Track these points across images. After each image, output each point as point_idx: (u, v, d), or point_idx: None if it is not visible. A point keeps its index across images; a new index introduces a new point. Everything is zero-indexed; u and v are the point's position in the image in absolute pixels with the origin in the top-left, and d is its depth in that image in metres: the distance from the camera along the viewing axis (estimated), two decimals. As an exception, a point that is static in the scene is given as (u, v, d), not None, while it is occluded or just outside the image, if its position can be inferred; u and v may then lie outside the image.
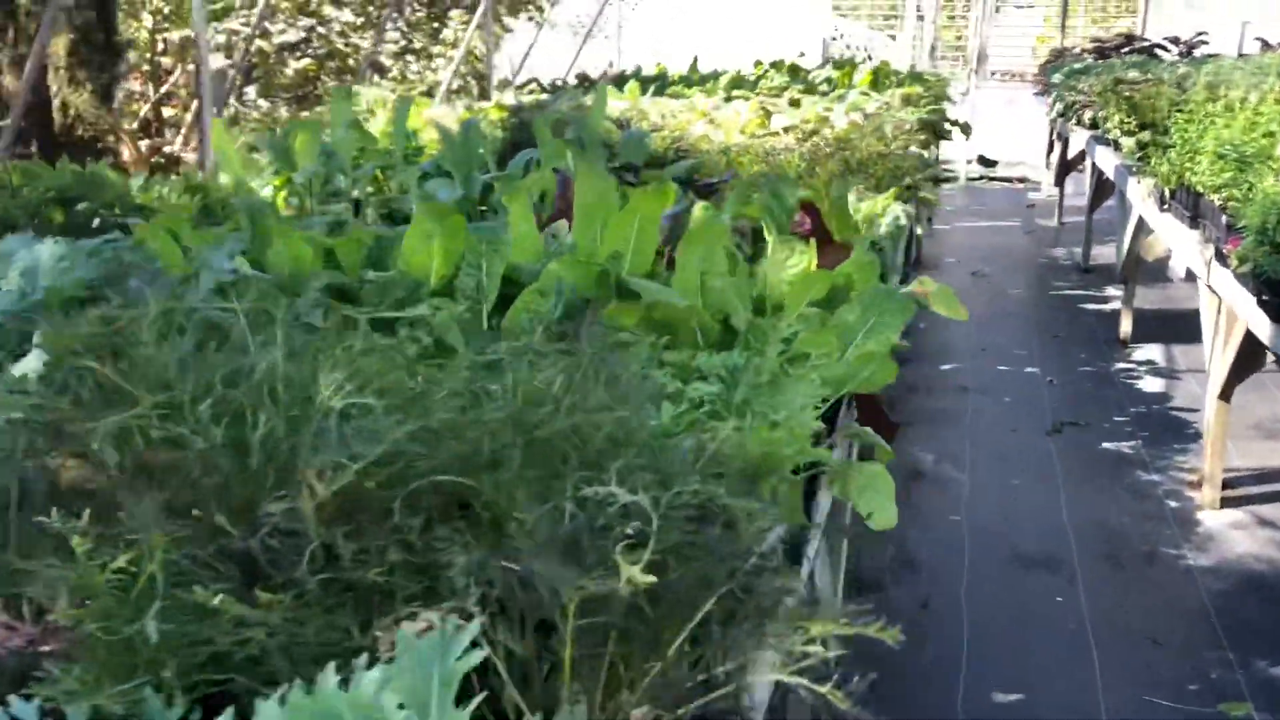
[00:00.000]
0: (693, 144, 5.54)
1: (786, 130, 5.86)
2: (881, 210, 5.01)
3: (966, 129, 10.00)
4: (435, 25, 16.09)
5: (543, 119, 4.77)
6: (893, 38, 27.76)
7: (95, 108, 12.33)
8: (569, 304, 2.29)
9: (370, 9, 15.94)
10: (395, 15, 16.64)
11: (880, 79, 9.64)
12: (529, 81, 13.15)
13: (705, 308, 2.20)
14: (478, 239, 2.35)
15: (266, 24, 16.97)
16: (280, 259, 2.47)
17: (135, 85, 19.02)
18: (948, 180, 16.88)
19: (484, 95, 9.15)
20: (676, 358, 1.99)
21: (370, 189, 5.08)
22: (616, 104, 6.31)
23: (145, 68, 18.02)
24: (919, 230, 11.79)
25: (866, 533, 2.22)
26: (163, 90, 18.15)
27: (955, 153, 16.43)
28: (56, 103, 12.33)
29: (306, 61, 17.35)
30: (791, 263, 2.58)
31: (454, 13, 16.02)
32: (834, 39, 22.20)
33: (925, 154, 6.61)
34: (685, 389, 1.76)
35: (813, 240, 3.12)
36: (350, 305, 2.39)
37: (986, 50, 21.73)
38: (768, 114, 6.08)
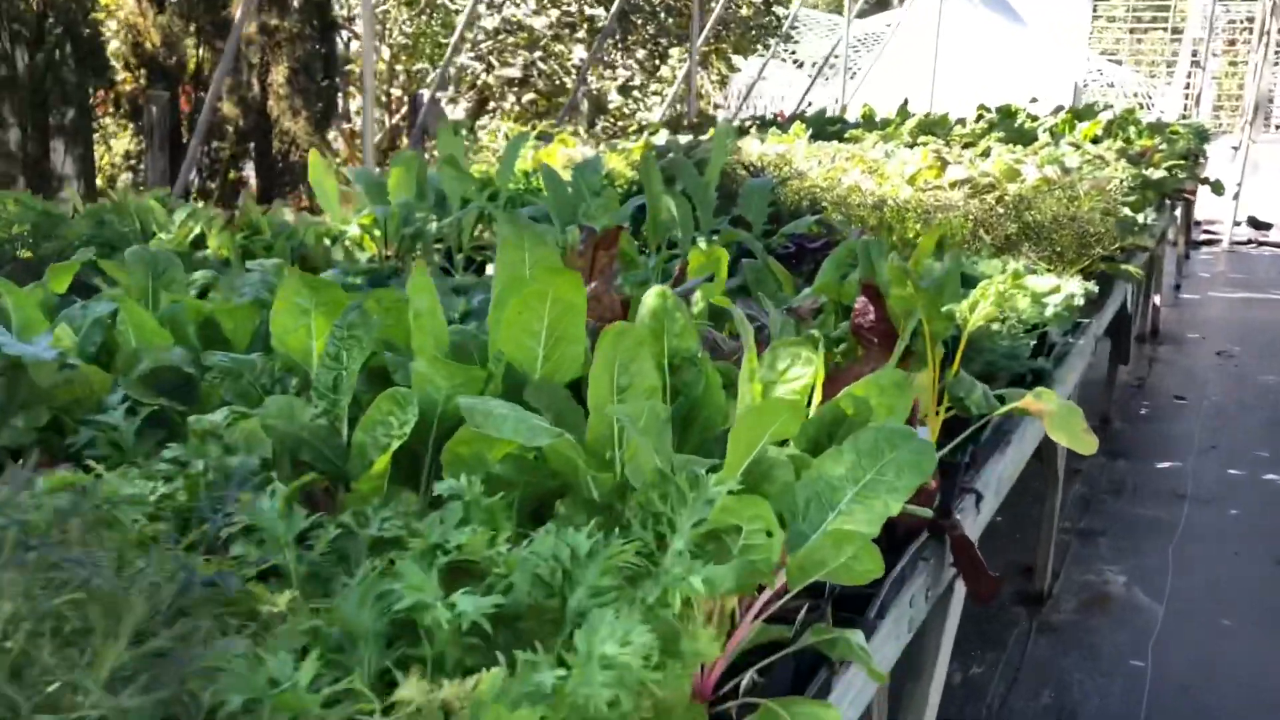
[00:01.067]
0: (840, 196, 4.78)
1: (962, 184, 5.01)
2: (1049, 290, 4.10)
3: (1218, 187, 8.67)
4: (655, 63, 15.81)
5: (647, 161, 4.15)
6: (1167, 84, 25.64)
7: (309, 134, 12.61)
8: (440, 417, 1.66)
9: (593, 45, 15.82)
10: (618, 51, 16.48)
11: (1113, 129, 8.49)
12: (748, 118, 12.54)
13: (592, 447, 1.52)
14: (347, 321, 1.75)
15: (493, 59, 17.16)
16: (133, 331, 1.96)
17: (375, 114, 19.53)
18: (1208, 243, 15.09)
19: (698, 130, 8.66)
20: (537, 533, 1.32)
21: (468, 234, 4.61)
22: (773, 148, 5.62)
23: (382, 98, 18.60)
24: (1155, 300, 10.42)
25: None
26: (395, 119, 18.66)
27: (1222, 213, 14.72)
28: (276, 129, 12.69)
29: (531, 95, 17.44)
30: (792, 375, 1.86)
31: (674, 50, 15.70)
32: (1087, 83, 20.54)
33: (1140, 218, 5.56)
34: (433, 612, 1.09)
35: (866, 342, 2.36)
36: (179, 400, 1.84)
37: (1270, 100, 19.55)
38: (943, 164, 5.24)
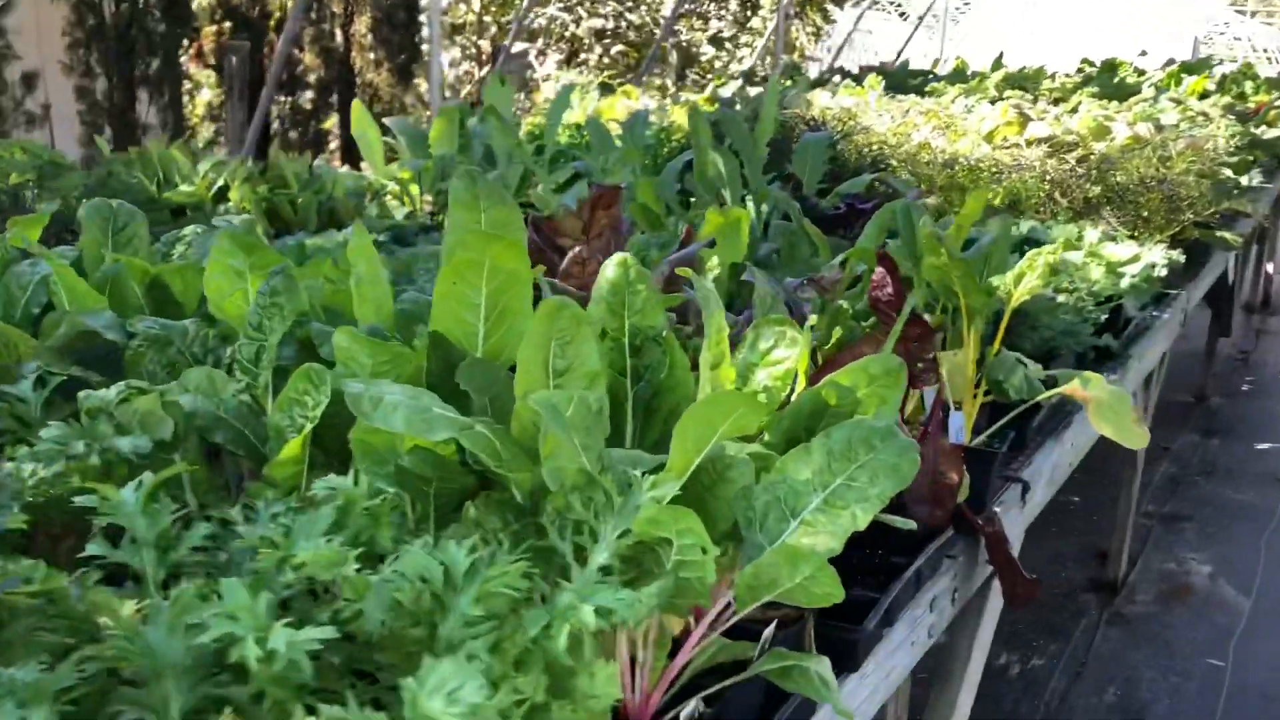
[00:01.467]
0: (908, 154, 4.47)
1: (1043, 142, 4.64)
2: (1127, 259, 3.78)
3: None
4: (747, 14, 15.35)
5: (695, 114, 3.91)
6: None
7: (391, 86, 12.56)
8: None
9: (684, -4, 15.44)
10: (711, 2, 16.06)
11: (1226, 84, 7.93)
12: (835, 71, 12.11)
13: (519, 440, 1.32)
14: (270, 287, 1.58)
15: (582, 10, 16.91)
16: (64, 293, 1.82)
17: (464, 67, 19.62)
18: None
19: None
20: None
21: (512, 190, 4.43)
22: (842, 101, 5.30)
23: (470, 50, 18.54)
24: (1268, 268, 9.78)
25: None
26: (484, 71, 18.58)
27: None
28: (359, 81, 12.66)
29: (620, 46, 17.15)
30: (775, 358, 1.63)
31: (766, 1, 15.20)
32: (1210, 37, 19.44)
33: (1243, 181, 5.12)
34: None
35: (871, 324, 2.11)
36: (103, 370, 1.69)
37: None
38: (1024, 120, 4.87)
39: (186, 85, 11.65)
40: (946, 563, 2.34)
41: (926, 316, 2.11)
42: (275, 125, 11.90)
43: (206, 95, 11.50)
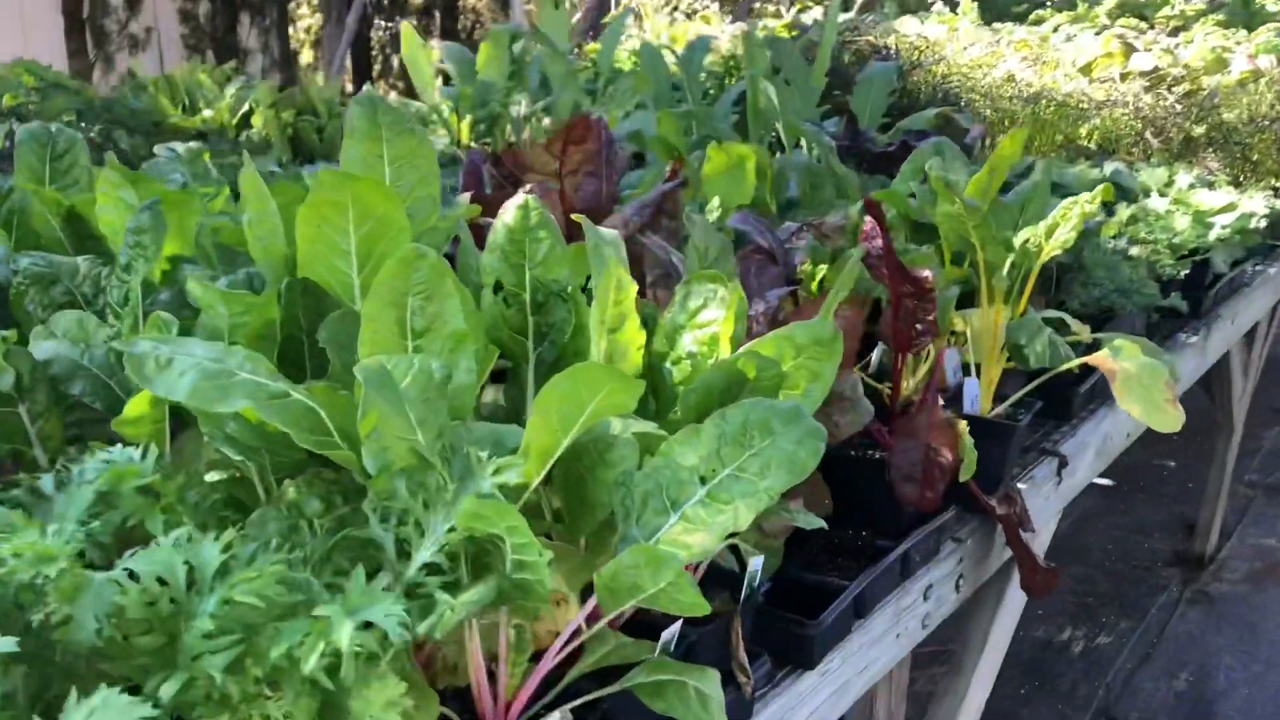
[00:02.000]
0: (990, 88, 4.11)
1: (1147, 75, 4.22)
2: (1220, 208, 3.41)
3: None
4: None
5: (750, 42, 3.63)
6: None
7: (493, 11, 12.39)
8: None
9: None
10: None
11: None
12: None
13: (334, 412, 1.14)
14: (136, 224, 1.43)
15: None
16: None
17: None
18: None
19: (867, 7, 7.86)
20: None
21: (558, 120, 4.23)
22: (930, 29, 4.92)
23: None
24: None
25: None
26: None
27: None
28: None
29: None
30: (704, 319, 1.42)
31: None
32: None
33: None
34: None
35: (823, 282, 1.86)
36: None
37: None
38: (1128, 51, 4.43)
39: (292, 7, 11.67)
40: (950, 546, 2.10)
41: (930, 272, 1.85)
42: (376, 51, 11.86)
43: (309, 20, 11.51)
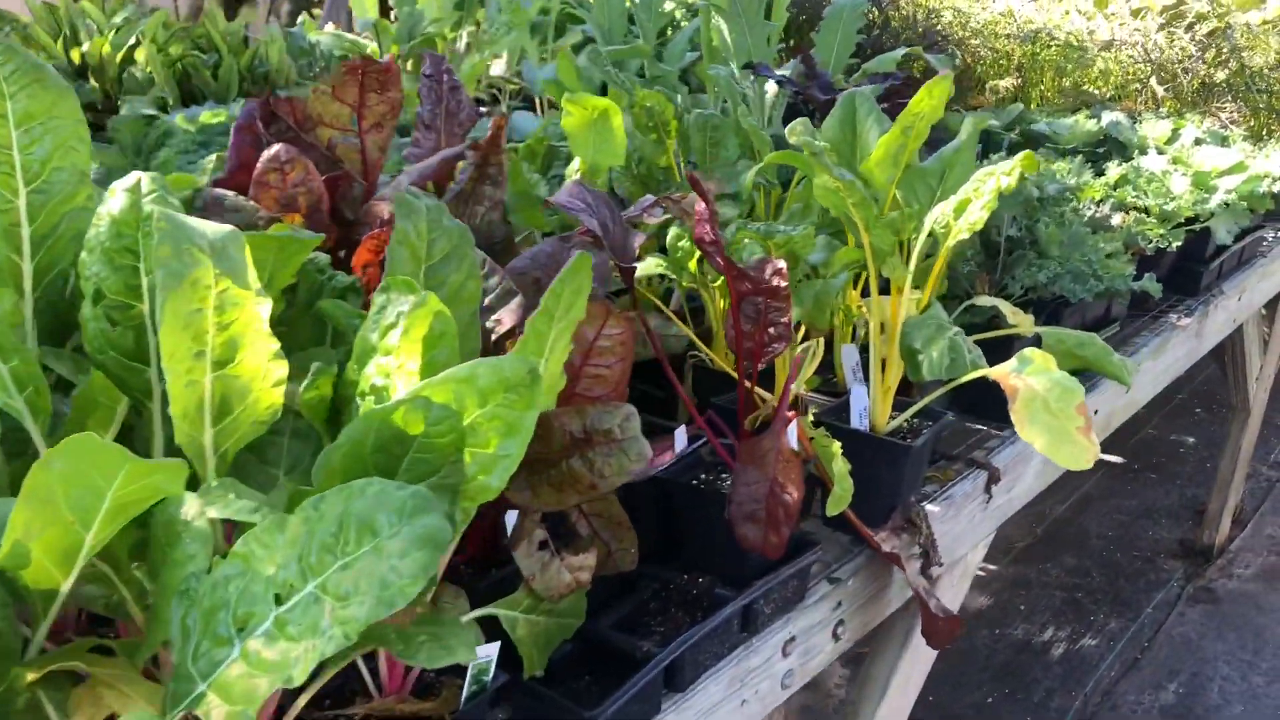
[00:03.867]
0: (985, 26, 3.64)
1: (1164, 11, 3.73)
2: (1227, 169, 2.97)
3: None
4: None
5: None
6: None
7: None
8: None
9: None
10: None
11: None
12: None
13: None
14: None
15: None
16: None
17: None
18: None
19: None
20: None
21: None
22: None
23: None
24: None
25: None
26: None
27: None
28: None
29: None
30: (392, 343, 1.07)
31: None
32: None
33: None
34: None
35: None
36: None
37: None
38: (1150, -16, 3.93)
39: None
40: (824, 589, 1.75)
41: (778, 265, 1.47)
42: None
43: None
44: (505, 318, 1.38)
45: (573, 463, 1.22)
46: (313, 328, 1.29)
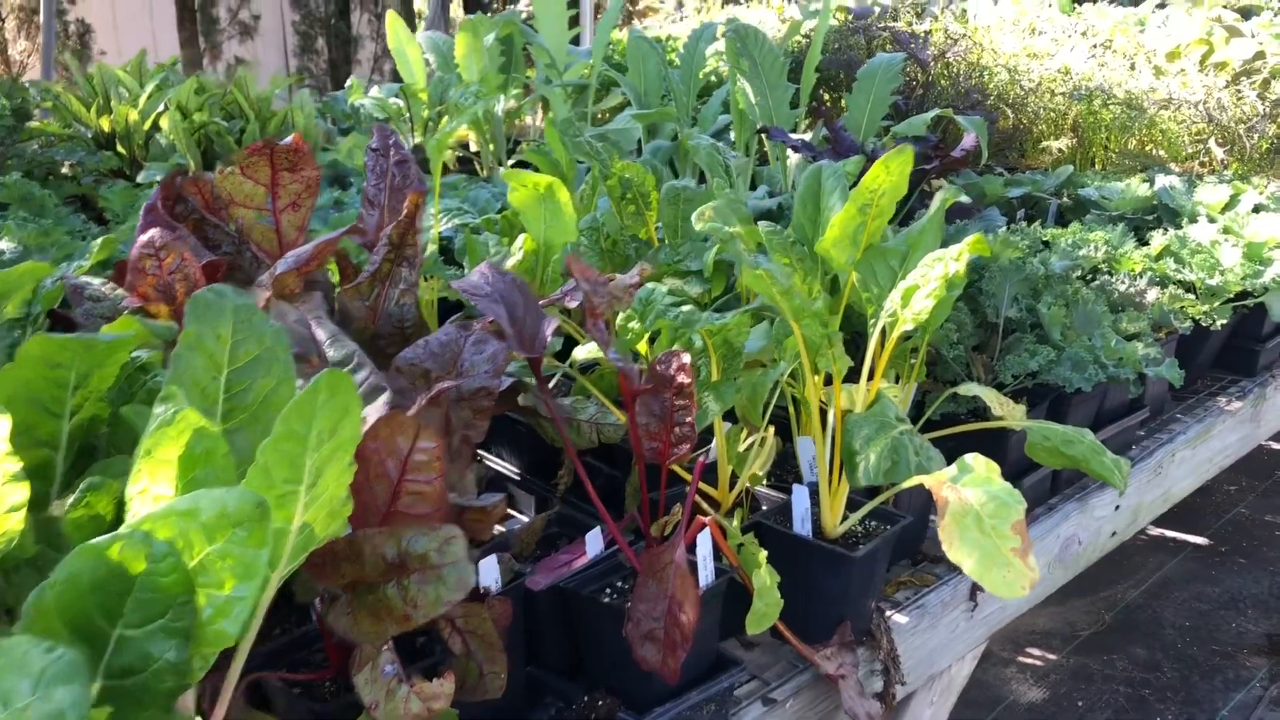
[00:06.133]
0: (1035, 84, 3.45)
1: (1224, 69, 3.47)
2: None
3: None
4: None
5: (738, 35, 3.12)
6: None
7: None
8: None
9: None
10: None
11: None
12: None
13: None
14: None
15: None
16: None
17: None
18: None
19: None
20: None
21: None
22: (1005, 10, 4.26)
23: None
24: None
25: None
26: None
27: None
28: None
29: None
30: (162, 456, 0.98)
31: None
32: None
33: None
34: None
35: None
36: None
37: None
38: (1231, 34, 3.68)
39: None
40: (756, 711, 1.59)
41: (681, 360, 1.35)
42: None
43: (420, 2, 11.39)
44: (369, 416, 1.29)
45: (389, 590, 1.11)
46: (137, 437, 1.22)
